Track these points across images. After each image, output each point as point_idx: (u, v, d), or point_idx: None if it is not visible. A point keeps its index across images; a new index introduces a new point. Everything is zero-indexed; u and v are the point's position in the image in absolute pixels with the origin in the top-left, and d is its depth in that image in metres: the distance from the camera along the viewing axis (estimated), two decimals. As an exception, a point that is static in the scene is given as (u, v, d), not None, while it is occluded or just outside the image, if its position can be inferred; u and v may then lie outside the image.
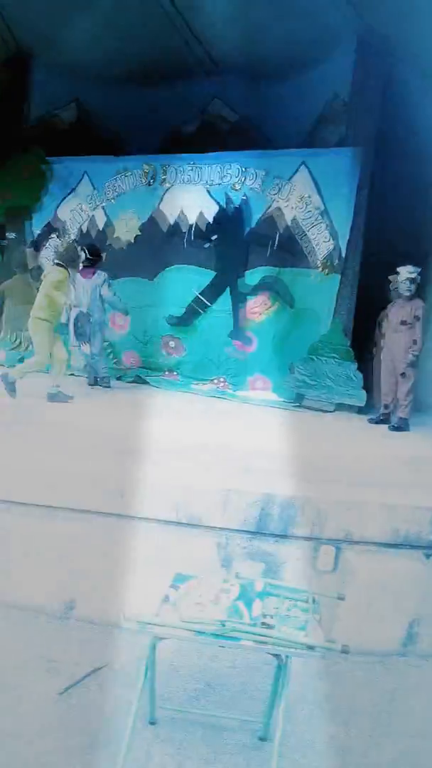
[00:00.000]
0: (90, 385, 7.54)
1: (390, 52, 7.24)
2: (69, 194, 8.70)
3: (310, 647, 2.30)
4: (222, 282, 7.86)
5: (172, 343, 8.15)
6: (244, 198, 7.77)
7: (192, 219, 8.02)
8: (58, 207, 8.76)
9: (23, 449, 4.19)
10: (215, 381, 7.92)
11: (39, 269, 8.43)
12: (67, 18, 7.87)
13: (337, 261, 7.32)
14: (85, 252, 7.47)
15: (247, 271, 7.75)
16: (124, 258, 8.28)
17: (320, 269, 7.41)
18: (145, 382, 8.07)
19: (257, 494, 3.65)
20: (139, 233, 8.29)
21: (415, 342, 6.18)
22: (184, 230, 8.07)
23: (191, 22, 8.10)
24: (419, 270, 6.30)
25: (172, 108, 9.08)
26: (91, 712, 2.79)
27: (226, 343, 7.85)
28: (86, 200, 8.60)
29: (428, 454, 5.26)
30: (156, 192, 8.21)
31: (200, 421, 6.09)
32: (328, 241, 7.38)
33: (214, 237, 7.91)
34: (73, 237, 8.61)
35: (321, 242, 7.41)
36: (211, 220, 7.92)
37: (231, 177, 7.84)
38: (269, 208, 7.69)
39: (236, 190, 7.81)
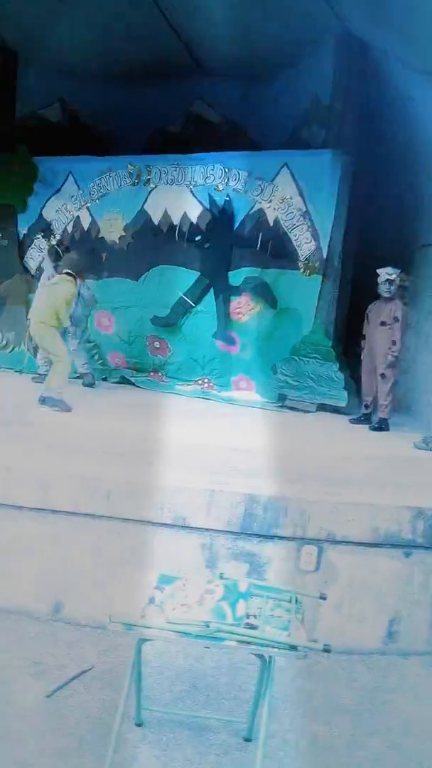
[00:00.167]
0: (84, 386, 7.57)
1: (370, 52, 7.31)
2: (54, 194, 8.68)
3: (293, 647, 2.34)
4: (206, 282, 7.89)
5: (157, 344, 8.17)
6: (227, 199, 7.80)
7: (176, 219, 8.04)
8: (43, 207, 8.73)
9: (7, 450, 4.20)
10: (200, 382, 7.95)
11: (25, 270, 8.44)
12: (53, 17, 7.85)
13: (318, 262, 7.38)
14: (67, 251, 7.55)
15: (230, 272, 7.78)
16: (109, 258, 8.28)
17: (302, 270, 7.46)
18: (130, 383, 8.08)
19: (241, 495, 3.69)
20: (124, 233, 8.29)
21: (394, 343, 6.24)
22: (168, 231, 8.09)
23: (175, 23, 8.11)
24: (398, 271, 6.36)
25: (157, 108, 9.09)
26: (78, 714, 2.82)
27: (210, 343, 7.88)
28: (71, 200, 8.58)
29: (408, 453, 5.33)
30: (140, 192, 8.21)
31: (184, 422, 6.12)
32: (310, 242, 7.43)
33: (198, 238, 7.94)
34: (58, 237, 8.59)
35: (303, 243, 7.47)
36: (195, 220, 7.95)
37: (214, 178, 7.86)
38: (252, 209, 7.72)
39: (219, 190, 7.84)
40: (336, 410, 7.15)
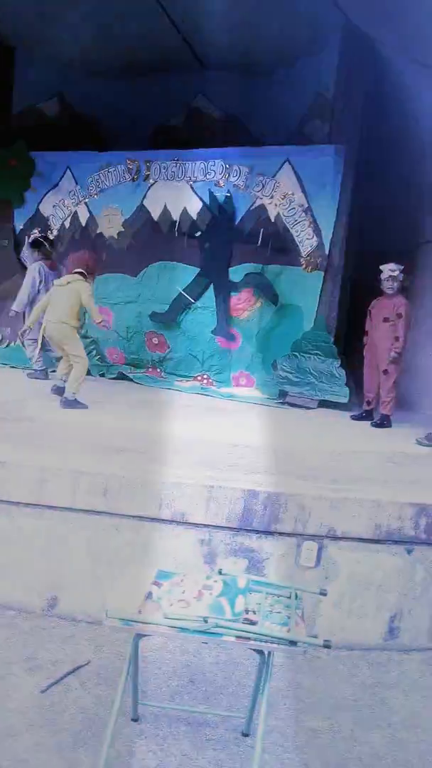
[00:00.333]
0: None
1: (374, 48, 7.27)
2: (51, 189, 8.65)
3: (293, 642, 2.31)
4: (206, 278, 7.86)
5: (155, 340, 8.14)
6: (228, 195, 7.77)
7: (176, 215, 8.01)
8: (40, 202, 8.70)
9: (3, 446, 4.16)
10: (199, 378, 7.92)
11: (22, 266, 8.40)
12: (51, 11, 7.81)
13: (320, 258, 7.35)
14: (48, 243, 7.61)
15: (230, 268, 7.75)
16: (108, 254, 8.25)
17: (304, 266, 7.44)
18: (128, 379, 8.05)
19: (240, 490, 3.65)
20: (123, 229, 8.26)
21: (397, 339, 6.21)
22: (167, 226, 8.05)
23: (176, 18, 8.06)
24: (401, 268, 6.32)
25: (157, 103, 9.05)
26: (73, 710, 2.78)
27: (209, 339, 7.85)
28: (69, 195, 8.55)
29: (410, 450, 5.29)
30: (139, 188, 8.18)
31: (183, 418, 6.08)
32: (312, 237, 7.40)
33: (198, 234, 7.91)
34: (56, 233, 8.56)
35: (304, 239, 7.44)
36: (195, 216, 7.91)
37: (215, 173, 7.83)
38: (253, 204, 7.69)
39: (220, 186, 7.80)
40: (337, 407, 7.12)
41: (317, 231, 7.38)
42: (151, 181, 8.12)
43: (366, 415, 6.55)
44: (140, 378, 8.04)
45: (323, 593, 2.88)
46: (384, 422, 6.27)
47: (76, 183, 8.49)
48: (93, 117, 9.35)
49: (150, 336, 8.14)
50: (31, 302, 7.50)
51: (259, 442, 5.14)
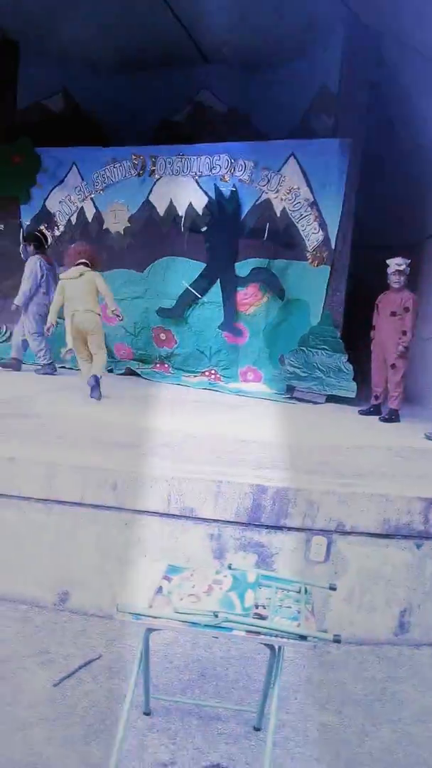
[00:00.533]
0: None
1: (378, 42, 7.24)
2: (57, 185, 8.65)
3: (303, 637, 2.31)
4: (212, 273, 7.86)
5: (162, 335, 8.15)
6: (234, 189, 7.76)
7: (182, 210, 8.01)
8: (46, 198, 8.71)
9: (13, 441, 4.18)
10: (206, 373, 7.93)
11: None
12: (56, 6, 7.81)
13: (326, 252, 7.34)
14: (43, 237, 7.67)
15: (237, 263, 7.74)
16: (114, 250, 8.26)
17: (310, 260, 7.43)
18: (136, 374, 8.07)
19: (249, 485, 3.66)
20: (129, 225, 8.26)
21: (404, 333, 6.19)
22: (173, 222, 8.06)
23: (180, 12, 8.05)
24: (408, 262, 6.30)
25: (161, 98, 9.05)
26: (86, 703, 2.80)
27: (216, 335, 7.85)
28: (75, 191, 8.56)
29: (418, 444, 5.29)
30: (145, 183, 8.18)
31: (191, 413, 6.09)
32: (318, 232, 7.39)
33: (204, 229, 7.90)
34: (62, 229, 8.57)
35: (310, 233, 7.43)
36: (200, 211, 7.91)
37: (220, 168, 7.83)
38: (258, 199, 7.69)
39: (225, 181, 7.80)
40: (345, 401, 7.11)
41: (323, 225, 7.36)
42: (157, 176, 8.12)
43: (374, 410, 6.54)
44: (148, 373, 8.05)
45: (333, 588, 2.89)
46: (392, 417, 6.27)
47: (82, 179, 8.50)
48: (98, 112, 9.35)
49: (157, 331, 8.15)
50: (32, 297, 7.54)
51: (267, 437, 5.15)
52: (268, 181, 7.62)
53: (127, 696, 2.35)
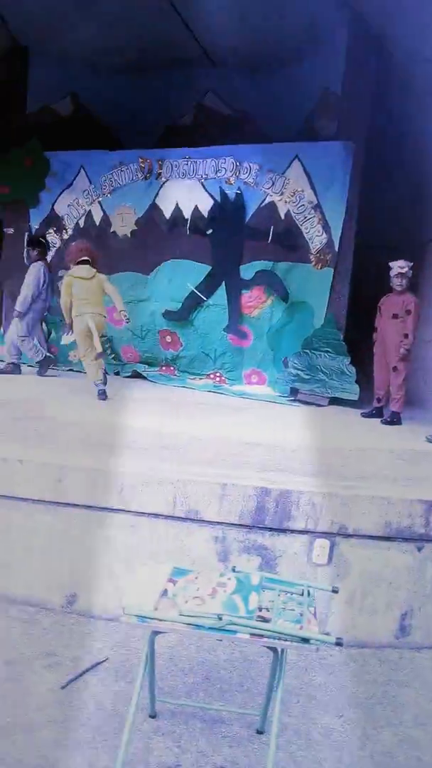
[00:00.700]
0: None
1: (382, 44, 7.26)
2: (66, 189, 8.71)
3: (305, 640, 2.35)
4: (217, 276, 7.90)
5: (168, 338, 8.19)
6: (239, 192, 7.80)
7: (187, 213, 8.05)
8: (54, 202, 8.77)
9: (20, 444, 4.23)
10: (211, 375, 7.97)
11: None
12: (64, 10, 7.86)
13: (330, 254, 7.37)
14: (45, 243, 7.75)
15: (241, 266, 7.78)
16: (121, 252, 8.30)
17: (313, 263, 7.46)
18: (142, 377, 8.11)
19: (253, 488, 3.69)
20: (136, 228, 8.31)
21: (406, 336, 6.22)
22: (179, 224, 8.10)
23: (186, 15, 8.08)
24: (411, 264, 6.33)
25: (168, 101, 9.09)
26: (92, 706, 2.85)
27: (221, 337, 7.89)
28: (83, 195, 8.61)
29: (420, 447, 5.31)
30: (152, 186, 8.23)
31: (196, 416, 6.13)
32: (321, 234, 7.41)
33: (209, 231, 7.94)
34: (70, 232, 8.63)
35: (314, 236, 7.46)
36: (206, 214, 7.95)
37: (225, 171, 7.86)
38: (263, 202, 7.72)
39: (230, 184, 7.83)
40: (348, 404, 7.14)
41: (327, 228, 7.39)
42: (163, 179, 8.16)
43: (376, 413, 6.57)
44: (154, 376, 8.10)
45: (335, 590, 2.92)
46: (394, 419, 6.29)
47: (90, 182, 8.55)
48: (105, 116, 9.40)
49: (163, 334, 8.20)
50: (33, 303, 7.61)
51: (271, 439, 5.18)
52: (273, 183, 7.65)
53: (133, 699, 2.39)
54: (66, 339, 8.29)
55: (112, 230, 8.44)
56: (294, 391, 7.41)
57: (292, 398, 7.37)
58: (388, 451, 5.10)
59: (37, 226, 8.82)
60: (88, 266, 6.47)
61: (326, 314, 7.39)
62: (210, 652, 3.37)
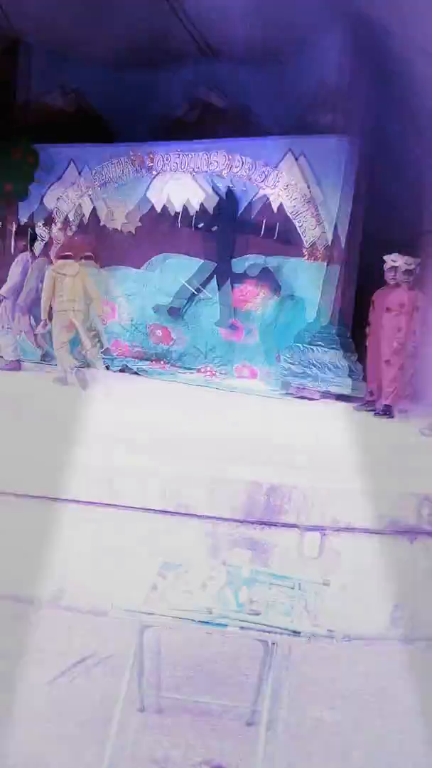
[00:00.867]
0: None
1: (380, 37, 7.21)
2: (55, 182, 8.63)
3: (296, 632, 2.33)
4: (209, 270, 7.86)
5: (159, 332, 8.15)
6: (231, 185, 7.75)
7: (179, 207, 8.00)
8: (44, 195, 8.69)
9: (11, 438, 4.18)
10: (202, 370, 7.94)
11: None
12: (55, 2, 7.77)
13: (323, 248, 7.33)
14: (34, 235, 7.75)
15: (234, 259, 7.74)
16: (111, 246, 8.25)
17: (306, 257, 7.42)
18: (132, 371, 8.07)
19: (244, 482, 3.67)
20: (126, 221, 8.25)
21: (399, 330, 6.20)
22: (171, 218, 8.05)
23: (180, 8, 8.02)
24: (405, 258, 6.31)
25: (161, 93, 9.02)
26: (80, 701, 2.81)
27: (213, 331, 7.85)
28: (73, 188, 8.54)
29: (413, 440, 5.30)
30: (143, 179, 8.17)
31: (187, 410, 6.10)
32: (314, 228, 7.38)
33: (202, 225, 7.90)
34: (59, 226, 8.56)
35: (307, 229, 7.42)
36: (198, 207, 7.90)
37: (218, 164, 7.81)
38: (256, 195, 7.68)
39: (223, 177, 7.78)
40: (340, 397, 7.12)
41: (320, 221, 7.35)
42: (155, 172, 8.11)
43: (369, 406, 6.55)
44: (144, 370, 8.05)
45: (326, 584, 2.90)
46: (387, 412, 6.28)
47: (80, 175, 8.49)
48: (97, 109, 9.32)
49: (154, 328, 8.15)
50: (18, 292, 7.54)
51: (263, 433, 5.16)
52: (266, 176, 7.61)
53: (122, 693, 2.36)
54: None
55: (102, 224, 8.38)
56: (286, 385, 7.39)
57: (285, 392, 7.34)
58: (381, 444, 5.09)
59: (25, 220, 8.74)
60: (71, 262, 6.51)
61: (319, 308, 7.36)
62: (200, 645, 3.34)
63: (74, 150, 8.50)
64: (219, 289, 7.79)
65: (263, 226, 7.61)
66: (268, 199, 7.61)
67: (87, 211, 8.46)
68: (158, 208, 8.11)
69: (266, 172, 7.59)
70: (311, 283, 7.42)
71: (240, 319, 7.76)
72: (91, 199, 8.48)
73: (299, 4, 7.37)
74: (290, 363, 7.37)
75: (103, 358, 8.23)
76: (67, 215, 8.58)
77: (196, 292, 7.85)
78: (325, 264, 7.35)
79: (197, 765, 2.49)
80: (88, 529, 3.68)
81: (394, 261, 6.25)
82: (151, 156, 8.12)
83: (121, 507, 3.68)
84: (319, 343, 7.29)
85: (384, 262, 6.35)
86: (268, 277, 7.60)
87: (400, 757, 2.64)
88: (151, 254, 8.13)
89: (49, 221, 8.61)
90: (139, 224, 8.19)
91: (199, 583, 2.58)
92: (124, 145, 8.27)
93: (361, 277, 7.51)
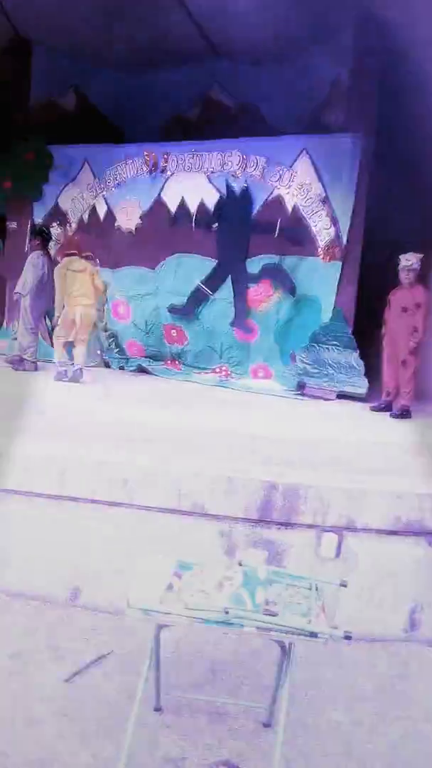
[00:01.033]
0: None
1: (390, 34, 7.17)
2: (69, 183, 8.67)
3: (313, 634, 2.31)
4: (223, 270, 7.85)
5: (174, 332, 8.15)
6: (245, 185, 7.74)
7: (193, 207, 8.00)
8: (58, 196, 8.73)
9: (26, 437, 4.20)
10: (217, 370, 7.93)
11: None
12: (67, 3, 7.80)
13: (338, 248, 7.31)
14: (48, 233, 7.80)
15: (248, 259, 7.73)
16: (126, 247, 8.26)
17: (321, 257, 7.40)
18: (147, 372, 8.08)
19: (260, 482, 3.66)
20: (140, 222, 8.26)
21: (416, 329, 6.16)
22: (185, 218, 8.05)
23: (191, 7, 8.02)
24: (419, 257, 6.26)
25: (173, 94, 9.03)
26: (97, 699, 2.82)
27: (228, 332, 7.84)
28: (87, 189, 8.57)
29: (430, 441, 5.26)
30: (157, 180, 8.18)
31: (202, 410, 6.10)
32: (329, 228, 7.35)
33: (216, 225, 7.89)
34: (74, 226, 8.59)
35: (322, 229, 7.39)
36: (212, 208, 7.89)
37: (232, 164, 7.80)
38: (270, 195, 7.66)
39: (237, 177, 7.77)
40: (356, 398, 7.09)
41: (335, 221, 7.33)
42: (169, 173, 8.11)
43: (385, 406, 6.51)
44: (159, 371, 8.06)
45: (343, 585, 2.88)
46: (404, 413, 6.24)
47: (94, 176, 8.51)
48: (109, 109, 9.35)
49: (168, 329, 8.16)
50: (33, 290, 7.56)
51: (278, 433, 5.14)
52: (280, 177, 7.59)
53: (138, 692, 2.36)
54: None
55: (116, 224, 8.39)
56: (301, 386, 7.37)
57: (300, 392, 7.32)
58: (398, 444, 5.05)
59: (40, 221, 8.78)
60: (77, 258, 6.68)
61: (334, 308, 7.33)
62: (216, 646, 3.34)
63: (88, 150, 8.52)
64: (234, 290, 7.78)
65: (277, 226, 7.59)
66: (282, 199, 7.59)
67: (101, 211, 8.49)
68: (172, 209, 8.11)
69: (280, 172, 7.58)
70: (326, 282, 7.40)
71: (254, 319, 7.75)
72: (105, 199, 8.50)
73: (310, 2, 7.34)
74: (305, 363, 7.35)
75: (119, 359, 8.27)
76: (81, 215, 8.61)
77: (210, 293, 7.83)
78: (340, 264, 7.32)
79: (213, 765, 2.48)
80: (105, 529, 3.68)
81: (408, 260, 6.21)
82: (166, 156, 8.12)
83: (137, 507, 3.68)
84: (335, 343, 7.26)
85: (399, 261, 6.30)
86: (282, 277, 7.57)
87: (418, 759, 2.62)
88: (165, 255, 8.13)
89: (63, 221, 8.64)
90: (154, 225, 8.19)
91: (215, 584, 2.57)
92: (138, 145, 8.27)
93: (375, 276, 7.47)
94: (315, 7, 7.41)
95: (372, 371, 7.06)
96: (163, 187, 8.15)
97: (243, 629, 2.34)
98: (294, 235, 7.53)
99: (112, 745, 2.49)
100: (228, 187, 7.80)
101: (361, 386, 7.11)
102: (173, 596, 2.48)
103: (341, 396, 7.19)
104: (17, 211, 8.92)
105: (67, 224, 8.58)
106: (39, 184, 8.72)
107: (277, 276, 7.59)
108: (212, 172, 7.91)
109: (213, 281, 7.88)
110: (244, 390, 7.48)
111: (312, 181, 7.42)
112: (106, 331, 8.19)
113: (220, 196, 7.85)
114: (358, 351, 7.21)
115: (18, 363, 7.60)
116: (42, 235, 7.97)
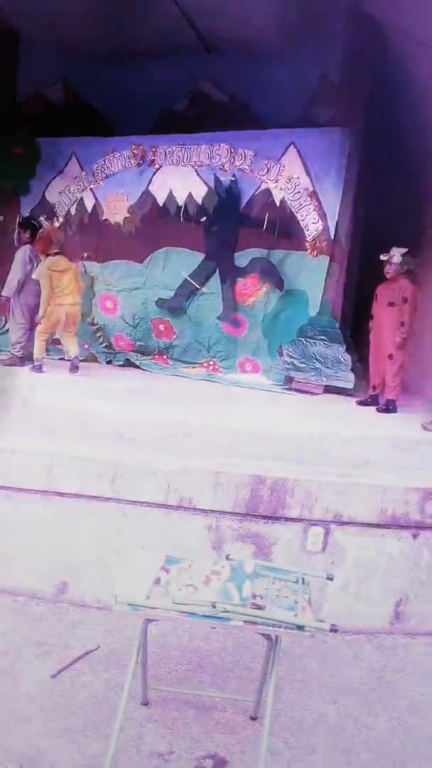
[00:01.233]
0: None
1: (380, 30, 7.17)
2: (57, 176, 8.59)
3: (300, 627, 2.33)
4: (211, 264, 7.82)
5: (161, 326, 8.12)
6: (233, 179, 7.71)
7: (181, 200, 7.94)
8: (45, 189, 8.66)
9: (12, 433, 4.18)
10: (205, 364, 7.91)
11: None
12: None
13: (325, 242, 7.28)
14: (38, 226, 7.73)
15: (236, 253, 7.70)
16: (113, 240, 8.21)
17: (309, 251, 7.38)
18: (134, 366, 8.05)
19: (247, 476, 3.67)
20: (128, 215, 8.22)
21: (402, 324, 6.17)
22: (173, 212, 8.01)
23: (180, 1, 7.97)
24: (402, 251, 6.26)
25: (162, 87, 8.96)
26: (84, 694, 2.82)
27: (215, 326, 7.83)
28: (74, 182, 8.49)
29: (416, 435, 5.28)
30: (145, 173, 8.11)
31: (190, 405, 6.09)
32: (317, 222, 7.33)
33: (204, 219, 7.86)
34: (61, 220, 8.52)
35: (310, 223, 7.37)
36: (200, 201, 7.86)
37: (220, 158, 7.75)
38: (258, 189, 7.62)
39: (225, 171, 7.74)
40: (343, 392, 7.10)
41: (323, 215, 7.30)
42: (157, 166, 8.06)
43: (372, 401, 6.53)
44: (147, 365, 8.03)
45: (330, 578, 2.90)
46: (390, 407, 6.25)
47: (82, 169, 8.43)
48: (97, 102, 9.27)
49: (156, 323, 8.12)
50: (21, 287, 7.47)
51: (265, 428, 5.14)
52: (268, 170, 7.56)
53: (125, 687, 2.37)
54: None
55: (104, 218, 8.33)
56: (288, 380, 7.37)
57: (287, 387, 7.32)
58: (384, 439, 5.06)
59: (27, 214, 8.68)
60: (60, 257, 6.71)
61: (321, 302, 7.32)
62: (203, 640, 3.35)
63: (76, 143, 8.44)
64: (222, 284, 7.75)
65: (265, 220, 7.55)
66: (270, 192, 7.56)
67: (89, 204, 8.42)
68: (161, 202, 8.06)
69: (268, 166, 7.55)
70: (313, 277, 7.38)
71: (242, 313, 7.73)
72: (93, 192, 8.44)
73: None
74: (293, 357, 7.35)
75: (106, 353, 8.24)
76: (68, 209, 8.55)
77: (198, 287, 7.81)
78: (328, 258, 7.31)
79: (201, 758, 2.50)
80: (92, 523, 3.68)
81: (388, 254, 6.21)
82: (154, 149, 8.06)
83: (125, 501, 3.68)
84: (322, 337, 7.27)
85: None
86: (270, 271, 7.55)
87: (403, 751, 2.65)
88: (153, 248, 8.08)
89: (50, 215, 8.57)
90: (141, 218, 8.14)
91: (202, 578, 2.58)
92: (126, 138, 8.20)
93: (363, 272, 7.49)
94: (305, 1, 7.38)
95: (361, 366, 7.07)
96: (151, 180, 8.09)
97: (230, 623, 2.35)
98: (282, 229, 7.49)
99: (99, 740, 2.50)
100: (216, 180, 7.76)
101: (349, 380, 7.10)
102: (161, 590, 2.48)
103: (328, 390, 7.19)
104: (4, 204, 8.83)
105: (54, 217, 8.51)
106: (26, 177, 8.63)
107: (265, 270, 7.56)
108: (200, 166, 7.85)
109: (201, 275, 7.85)
110: (231, 384, 7.46)
111: (300, 175, 7.38)
112: (93, 325, 8.15)
113: (209, 190, 7.81)
114: (345, 345, 7.21)
115: (9, 359, 7.59)
116: (32, 228, 7.88)
